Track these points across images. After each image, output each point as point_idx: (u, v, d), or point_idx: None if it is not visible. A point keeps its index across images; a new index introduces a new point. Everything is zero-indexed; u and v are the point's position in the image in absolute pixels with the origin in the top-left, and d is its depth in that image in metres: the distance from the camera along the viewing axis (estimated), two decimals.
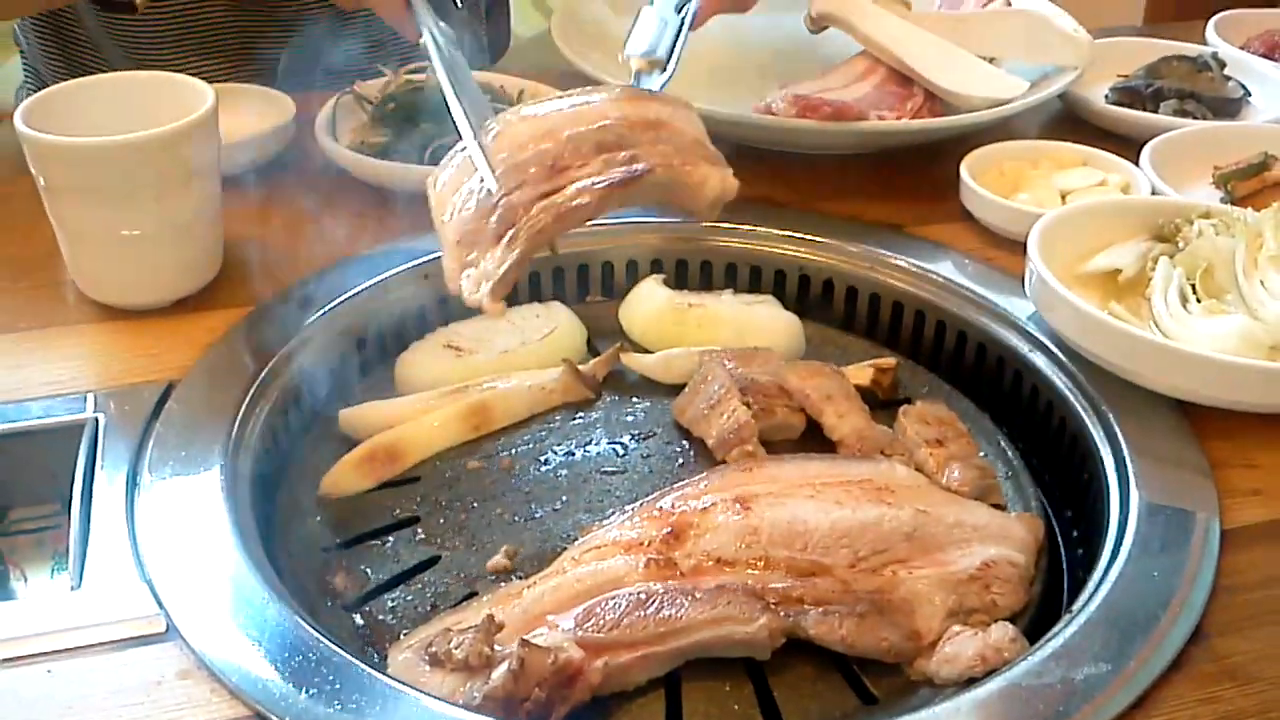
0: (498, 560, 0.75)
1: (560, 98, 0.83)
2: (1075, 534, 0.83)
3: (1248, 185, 1.06)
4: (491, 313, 0.76)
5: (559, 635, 0.66)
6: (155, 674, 0.62)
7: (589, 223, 0.78)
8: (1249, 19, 1.48)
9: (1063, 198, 1.06)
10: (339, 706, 0.60)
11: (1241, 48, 1.41)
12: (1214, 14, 1.47)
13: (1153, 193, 1.05)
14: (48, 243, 0.94)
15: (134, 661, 0.63)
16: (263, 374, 0.85)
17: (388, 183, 1.05)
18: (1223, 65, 1.31)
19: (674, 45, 0.88)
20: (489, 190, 0.77)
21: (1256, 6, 1.54)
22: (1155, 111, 1.24)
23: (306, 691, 0.61)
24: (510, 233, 0.76)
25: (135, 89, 0.93)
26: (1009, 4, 1.32)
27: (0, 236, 1.00)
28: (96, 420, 0.79)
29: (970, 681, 0.66)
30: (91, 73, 0.97)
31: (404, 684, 0.63)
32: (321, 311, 0.91)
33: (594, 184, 0.77)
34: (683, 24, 0.89)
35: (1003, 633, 0.68)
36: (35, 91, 1.36)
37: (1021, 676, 0.64)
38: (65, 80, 1.25)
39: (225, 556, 0.70)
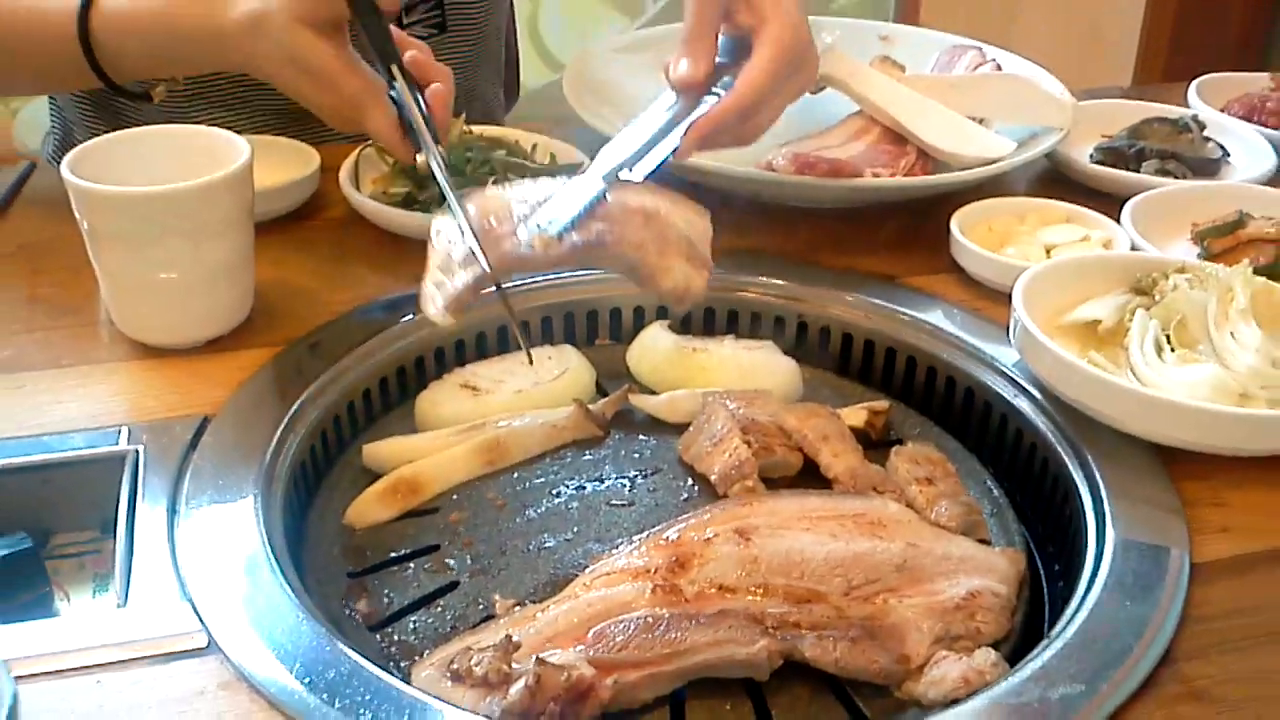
0: (503, 605, 0.78)
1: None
2: (1056, 568, 0.87)
3: (1223, 242, 1.11)
4: (439, 321, 0.83)
5: (572, 655, 0.70)
6: (198, 685, 0.67)
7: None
8: (1229, 82, 1.53)
9: (1048, 252, 1.11)
10: (369, 717, 0.65)
11: (1222, 110, 1.46)
12: (1197, 75, 1.53)
13: (1133, 248, 1.10)
14: (85, 285, 0.99)
15: (178, 674, 0.68)
16: (292, 410, 0.89)
17: (408, 231, 1.10)
18: (1202, 127, 1.36)
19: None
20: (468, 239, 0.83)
21: (1241, 69, 1.60)
22: (1138, 171, 1.29)
23: (338, 703, 0.66)
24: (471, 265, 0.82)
25: (175, 141, 0.98)
26: (999, 68, 1.38)
27: (41, 279, 1.06)
28: (137, 451, 0.84)
29: (954, 702, 0.70)
30: (122, 120, 1.03)
31: (428, 694, 0.67)
32: (346, 352, 0.96)
33: (557, 238, 0.82)
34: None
35: (985, 657, 0.72)
36: (61, 138, 1.42)
37: (1002, 695, 0.68)
38: (95, 127, 1.31)
39: (261, 578, 0.74)
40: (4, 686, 0.46)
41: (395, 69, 0.95)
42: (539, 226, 0.83)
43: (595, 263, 0.86)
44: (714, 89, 0.97)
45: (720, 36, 0.98)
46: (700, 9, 0.97)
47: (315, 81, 0.98)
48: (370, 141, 1.19)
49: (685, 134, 0.94)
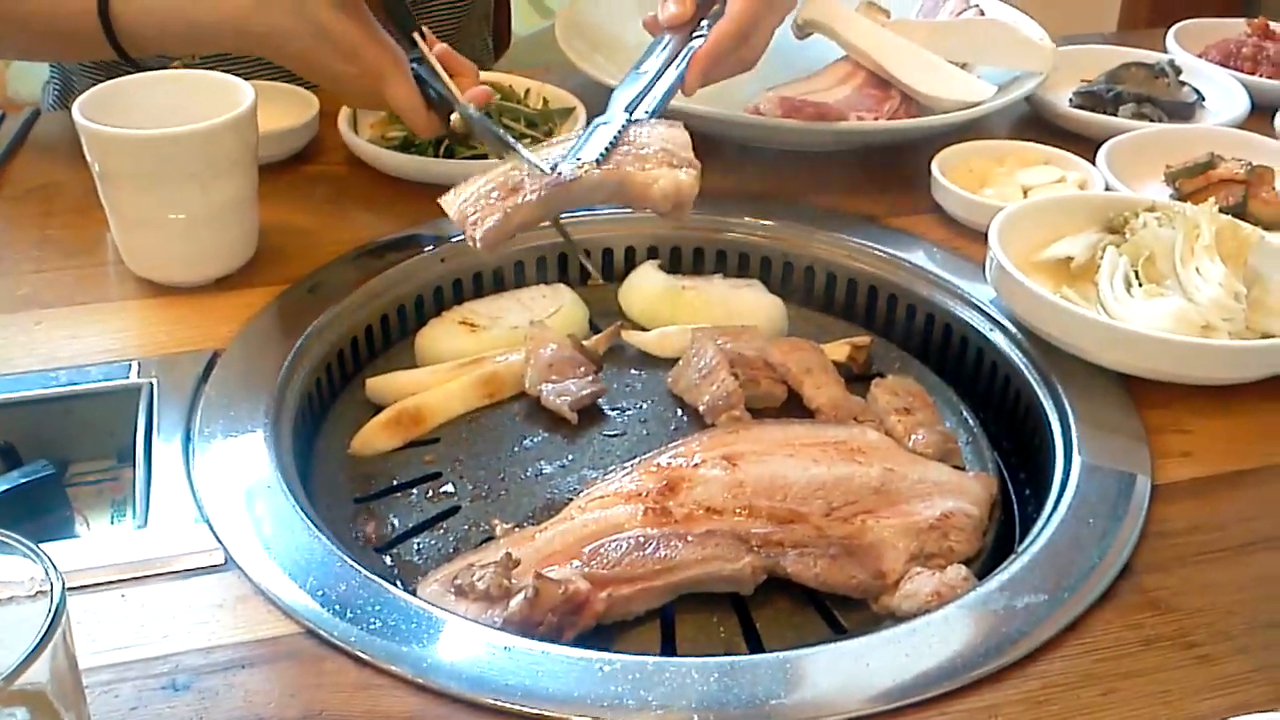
0: (502, 527, 0.82)
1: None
2: (1027, 492, 0.92)
3: (1194, 182, 1.14)
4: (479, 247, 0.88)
5: (568, 571, 0.75)
6: (217, 598, 0.71)
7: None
8: (1207, 28, 1.55)
9: (1025, 193, 1.14)
10: (378, 625, 0.69)
11: (1199, 55, 1.49)
12: (1180, 21, 1.56)
13: (1107, 189, 1.13)
14: (93, 226, 1.03)
15: (197, 588, 0.72)
16: (297, 346, 0.93)
17: (405, 174, 1.13)
18: (1179, 71, 1.39)
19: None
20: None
21: (1225, 14, 1.63)
22: (1115, 114, 1.32)
23: (349, 613, 0.70)
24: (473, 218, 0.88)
25: (179, 85, 1.01)
26: (982, 13, 1.41)
27: (51, 221, 1.09)
28: (151, 384, 0.88)
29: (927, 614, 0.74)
30: (121, 69, 1.05)
31: (434, 605, 0.71)
32: (348, 291, 1.00)
33: (536, 188, 0.88)
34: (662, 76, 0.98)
35: (956, 573, 0.77)
36: (62, 86, 1.45)
37: (971, 604, 0.72)
38: (94, 76, 1.34)
39: (273, 502, 0.78)
40: (53, 578, 0.50)
41: (416, 36, 0.98)
42: (578, 160, 0.88)
43: (590, 198, 0.90)
44: (701, 26, 1.01)
45: None
46: None
47: (337, 51, 1.00)
48: None
49: (688, 68, 0.97)
